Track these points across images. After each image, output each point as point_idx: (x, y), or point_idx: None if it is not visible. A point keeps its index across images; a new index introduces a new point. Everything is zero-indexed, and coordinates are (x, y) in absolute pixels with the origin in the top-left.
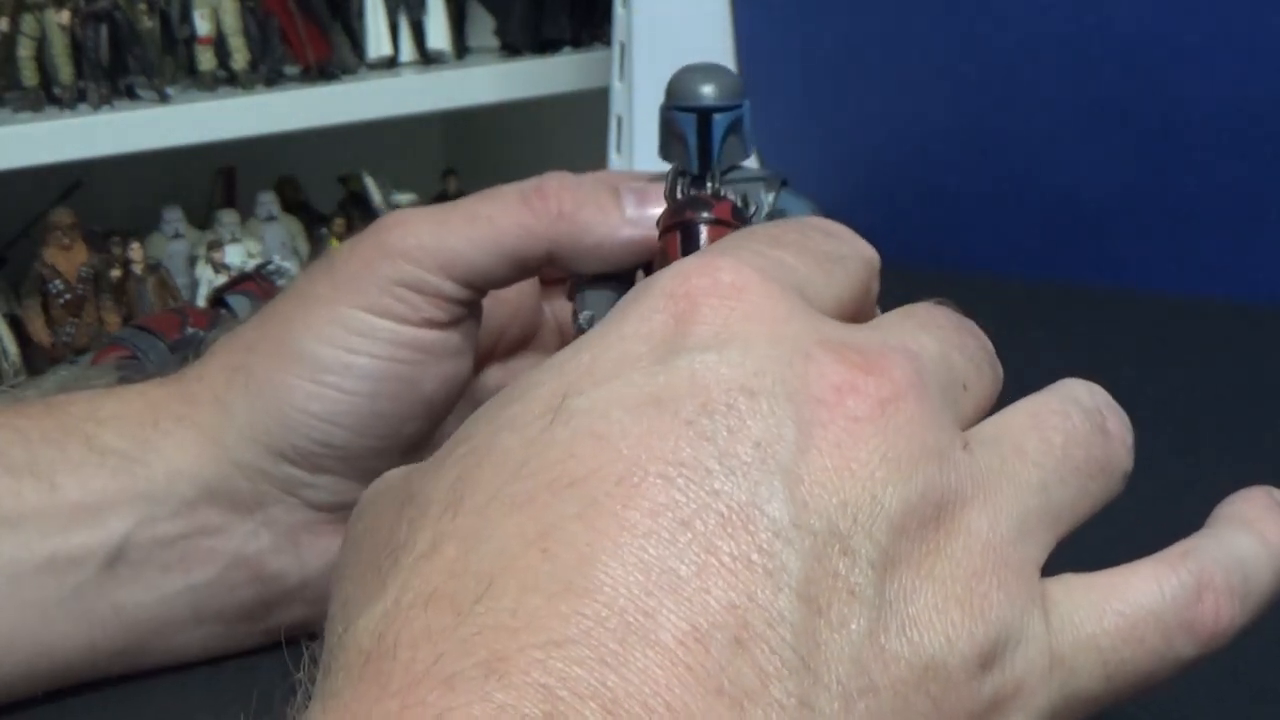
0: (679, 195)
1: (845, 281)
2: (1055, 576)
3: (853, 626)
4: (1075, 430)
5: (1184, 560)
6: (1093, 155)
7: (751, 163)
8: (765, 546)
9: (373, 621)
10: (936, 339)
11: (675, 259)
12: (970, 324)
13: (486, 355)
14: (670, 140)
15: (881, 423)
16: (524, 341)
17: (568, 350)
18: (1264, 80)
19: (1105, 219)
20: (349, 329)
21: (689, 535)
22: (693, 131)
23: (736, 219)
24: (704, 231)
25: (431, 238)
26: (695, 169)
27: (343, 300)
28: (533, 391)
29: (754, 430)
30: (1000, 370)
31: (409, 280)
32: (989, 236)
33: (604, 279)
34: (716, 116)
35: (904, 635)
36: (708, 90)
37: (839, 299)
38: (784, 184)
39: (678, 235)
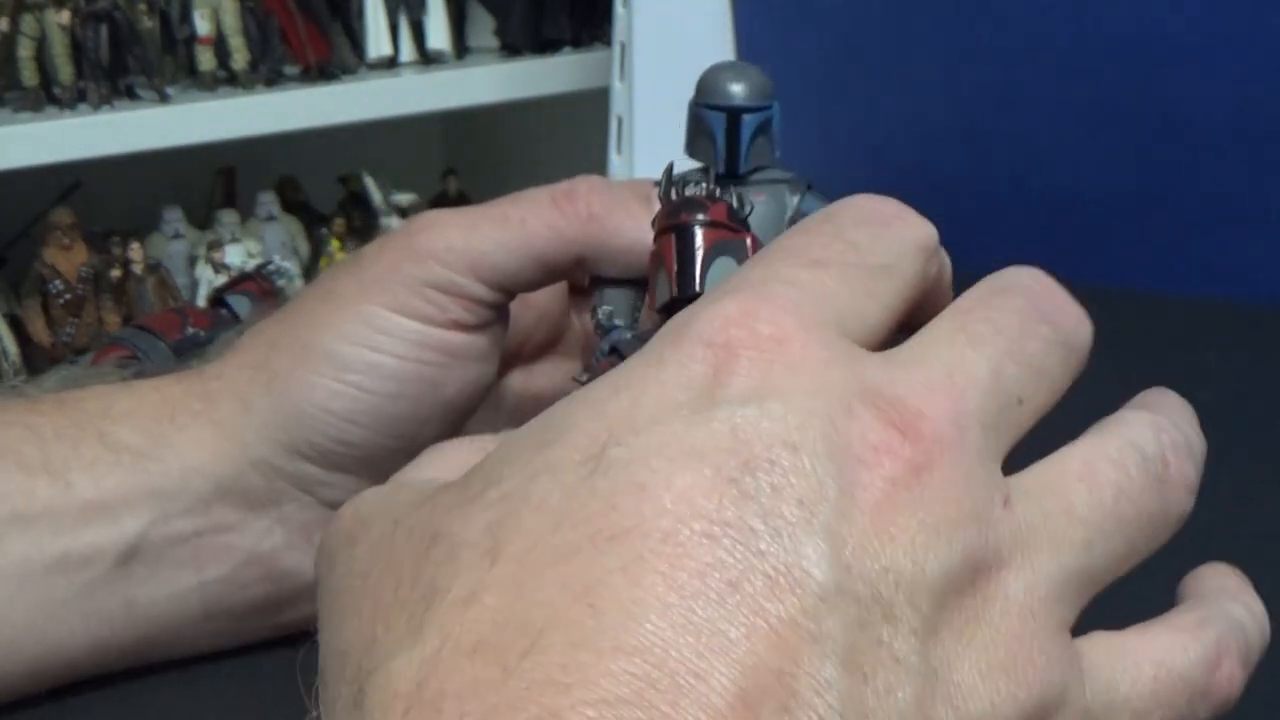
0: (673, 196)
1: (893, 291)
2: (1085, 636)
3: (899, 695)
4: (1130, 483)
5: (1202, 628)
6: (1093, 155)
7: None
8: (811, 611)
9: (411, 667)
10: (988, 356)
11: (670, 262)
12: (1046, 305)
13: (512, 358)
14: (698, 137)
15: (918, 489)
16: (549, 346)
17: (603, 387)
18: (1264, 80)
19: (1105, 219)
20: (374, 328)
21: (737, 597)
22: (721, 130)
23: (732, 220)
24: (699, 234)
25: (461, 240)
26: (721, 168)
27: (369, 299)
28: (569, 435)
29: (797, 488)
30: (1080, 344)
31: (438, 281)
32: (989, 236)
33: (624, 277)
34: (746, 117)
35: (950, 703)
36: (738, 90)
37: (888, 312)
38: (809, 187)
39: (672, 238)
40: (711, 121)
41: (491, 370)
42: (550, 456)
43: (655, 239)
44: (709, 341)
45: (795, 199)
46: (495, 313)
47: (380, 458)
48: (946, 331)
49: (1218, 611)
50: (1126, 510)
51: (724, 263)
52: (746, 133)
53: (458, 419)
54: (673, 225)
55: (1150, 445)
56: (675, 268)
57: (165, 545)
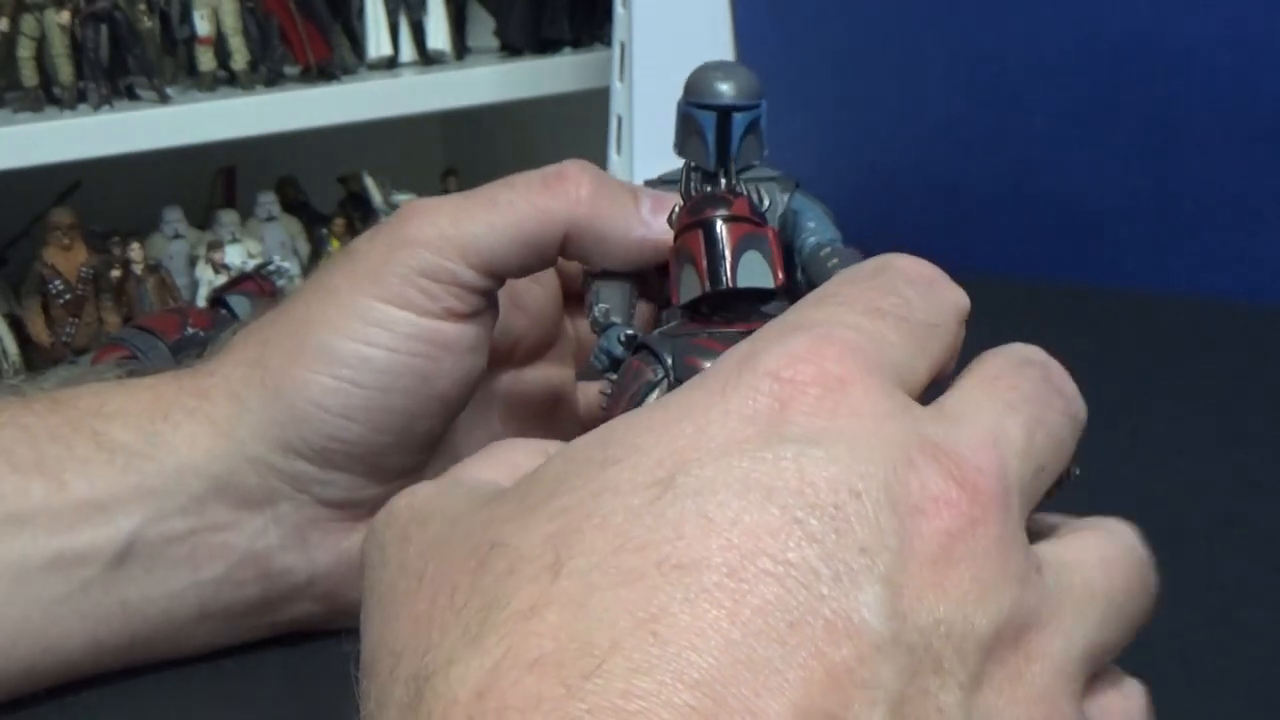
0: (694, 192)
1: (938, 351)
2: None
3: None
4: (1131, 583)
5: None
6: (1093, 155)
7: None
8: (866, 658)
9: (472, 676)
10: (1022, 422)
11: (699, 258)
12: (1058, 381)
13: (503, 360)
14: (688, 136)
15: (972, 542)
16: (541, 351)
17: (665, 411)
18: (1264, 80)
19: (1106, 219)
20: (366, 320)
21: (797, 639)
22: (711, 129)
23: (754, 215)
24: (725, 228)
25: (451, 225)
26: (712, 166)
27: (361, 291)
28: (634, 456)
29: (859, 535)
30: (1082, 418)
31: (428, 269)
32: (989, 236)
33: (616, 273)
34: (736, 115)
35: None
36: (728, 89)
37: (931, 369)
38: (797, 186)
39: (700, 232)
40: (702, 120)
41: (482, 363)
42: (613, 475)
43: (678, 235)
44: (775, 375)
45: (785, 197)
46: (485, 300)
47: (375, 454)
48: (983, 395)
49: None
50: (1126, 606)
51: (751, 256)
52: (737, 131)
53: (450, 413)
54: (698, 221)
55: (1143, 552)
56: (705, 263)
57: (161, 544)
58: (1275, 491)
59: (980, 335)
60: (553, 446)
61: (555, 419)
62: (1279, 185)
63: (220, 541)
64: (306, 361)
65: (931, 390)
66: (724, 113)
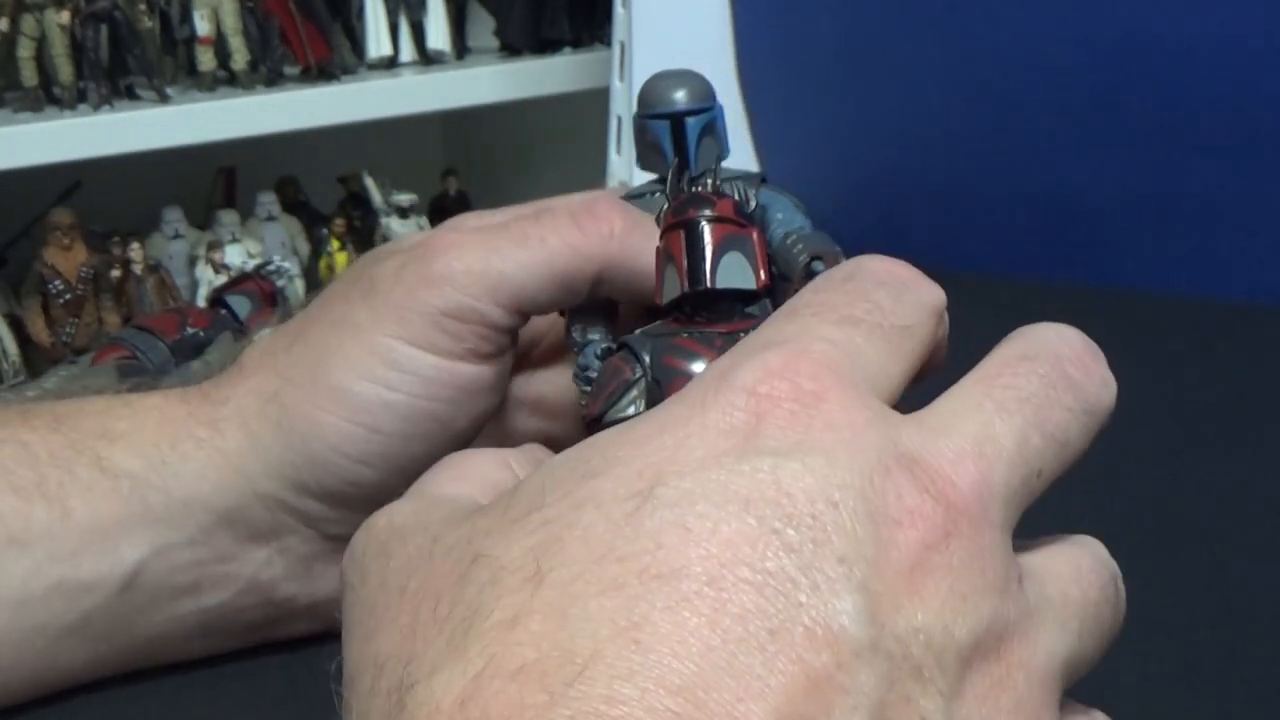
0: (680, 192)
1: (914, 352)
2: None
3: None
4: (1102, 593)
5: None
6: (1093, 155)
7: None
8: (845, 664)
9: (455, 685)
10: (1015, 427)
11: (680, 258)
12: (1072, 368)
13: (519, 361)
14: (646, 149)
15: (946, 554)
16: (552, 355)
17: (647, 425)
18: (1265, 80)
19: (1105, 219)
20: (389, 364)
21: (777, 646)
22: (667, 137)
23: (738, 215)
24: (708, 229)
25: (480, 262)
26: (672, 175)
27: (384, 330)
28: (615, 469)
29: (837, 545)
30: (1103, 408)
31: (455, 308)
32: (989, 236)
33: (593, 306)
34: (689, 120)
35: None
36: (678, 95)
37: (908, 371)
38: (763, 181)
39: (682, 234)
40: (657, 131)
41: (498, 401)
42: (594, 488)
43: (662, 235)
44: (752, 390)
45: (752, 193)
46: (509, 338)
47: (386, 494)
48: (974, 398)
49: None
50: (1103, 614)
51: (733, 257)
52: (692, 136)
53: (462, 447)
54: (681, 221)
55: (1112, 563)
56: (686, 263)
57: (166, 574)
58: (1275, 491)
59: (981, 335)
60: (511, 455)
61: (571, 421)
62: (1279, 185)
63: (224, 571)
64: (325, 403)
65: (920, 389)
66: (676, 119)
